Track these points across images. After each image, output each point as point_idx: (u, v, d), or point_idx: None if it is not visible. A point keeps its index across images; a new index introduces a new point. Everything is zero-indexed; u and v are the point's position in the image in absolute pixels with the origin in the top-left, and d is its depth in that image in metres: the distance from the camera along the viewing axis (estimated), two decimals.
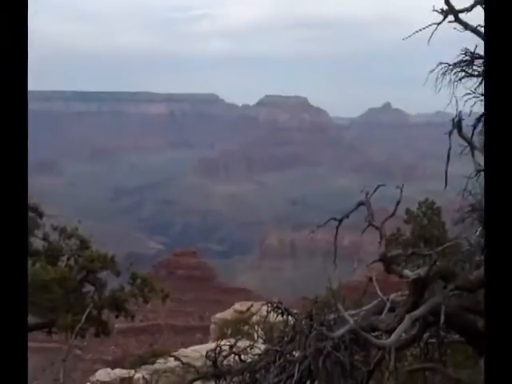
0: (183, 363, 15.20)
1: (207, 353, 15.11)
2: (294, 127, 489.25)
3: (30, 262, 17.43)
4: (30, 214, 17.80)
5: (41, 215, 18.02)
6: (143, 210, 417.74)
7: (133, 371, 24.93)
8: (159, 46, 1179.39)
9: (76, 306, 16.95)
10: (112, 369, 26.00)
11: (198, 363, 17.89)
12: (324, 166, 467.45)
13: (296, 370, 11.80)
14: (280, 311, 13.39)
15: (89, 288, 17.83)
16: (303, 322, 12.28)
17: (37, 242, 17.83)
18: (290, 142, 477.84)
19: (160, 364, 22.78)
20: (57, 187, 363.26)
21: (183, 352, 21.37)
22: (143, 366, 25.52)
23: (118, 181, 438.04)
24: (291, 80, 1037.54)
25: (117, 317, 18.01)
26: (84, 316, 16.39)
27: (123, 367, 27.29)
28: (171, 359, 21.67)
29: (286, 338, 12.90)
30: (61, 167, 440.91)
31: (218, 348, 14.71)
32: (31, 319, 16.99)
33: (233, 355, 14.71)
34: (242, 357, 14.58)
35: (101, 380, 24.26)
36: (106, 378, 24.39)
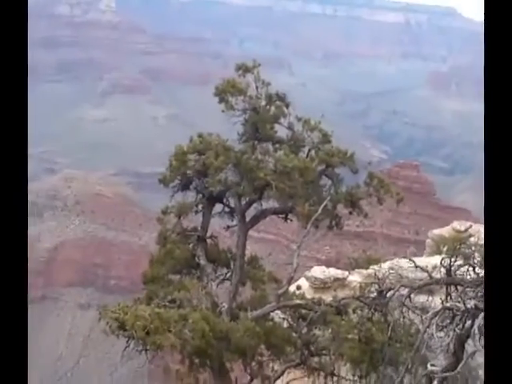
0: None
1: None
2: None
3: (272, 149, 17.80)
4: (278, 102, 18.08)
5: (287, 105, 18.24)
6: (369, 118, 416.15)
7: (346, 273, 25.17)
8: None
9: (313, 197, 17.17)
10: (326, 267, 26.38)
11: (412, 275, 17.71)
12: None
13: None
14: None
15: (326, 181, 17.92)
16: None
17: (281, 130, 18.12)
18: None
19: (373, 270, 22.71)
20: (289, 85, 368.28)
21: (397, 262, 21.23)
22: (357, 270, 25.64)
23: (346, 86, 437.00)
24: None
25: (350, 213, 18.04)
26: (321, 207, 16.57)
27: (336, 268, 27.56)
28: (384, 266, 21.59)
29: None
30: (294, 67, 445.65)
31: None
32: (272, 203, 17.50)
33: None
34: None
35: (315, 276, 24.74)
36: (321, 275, 24.80)
